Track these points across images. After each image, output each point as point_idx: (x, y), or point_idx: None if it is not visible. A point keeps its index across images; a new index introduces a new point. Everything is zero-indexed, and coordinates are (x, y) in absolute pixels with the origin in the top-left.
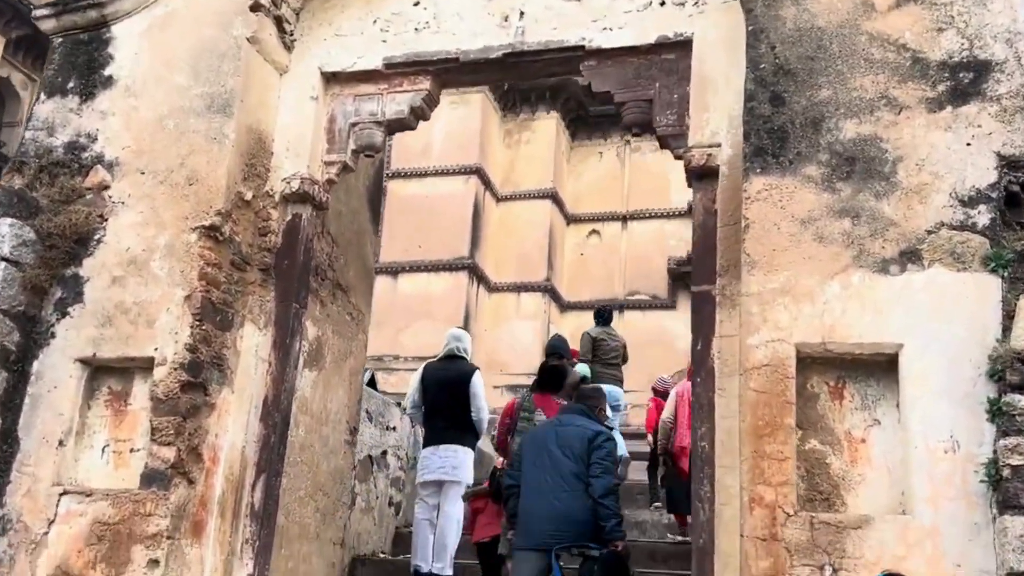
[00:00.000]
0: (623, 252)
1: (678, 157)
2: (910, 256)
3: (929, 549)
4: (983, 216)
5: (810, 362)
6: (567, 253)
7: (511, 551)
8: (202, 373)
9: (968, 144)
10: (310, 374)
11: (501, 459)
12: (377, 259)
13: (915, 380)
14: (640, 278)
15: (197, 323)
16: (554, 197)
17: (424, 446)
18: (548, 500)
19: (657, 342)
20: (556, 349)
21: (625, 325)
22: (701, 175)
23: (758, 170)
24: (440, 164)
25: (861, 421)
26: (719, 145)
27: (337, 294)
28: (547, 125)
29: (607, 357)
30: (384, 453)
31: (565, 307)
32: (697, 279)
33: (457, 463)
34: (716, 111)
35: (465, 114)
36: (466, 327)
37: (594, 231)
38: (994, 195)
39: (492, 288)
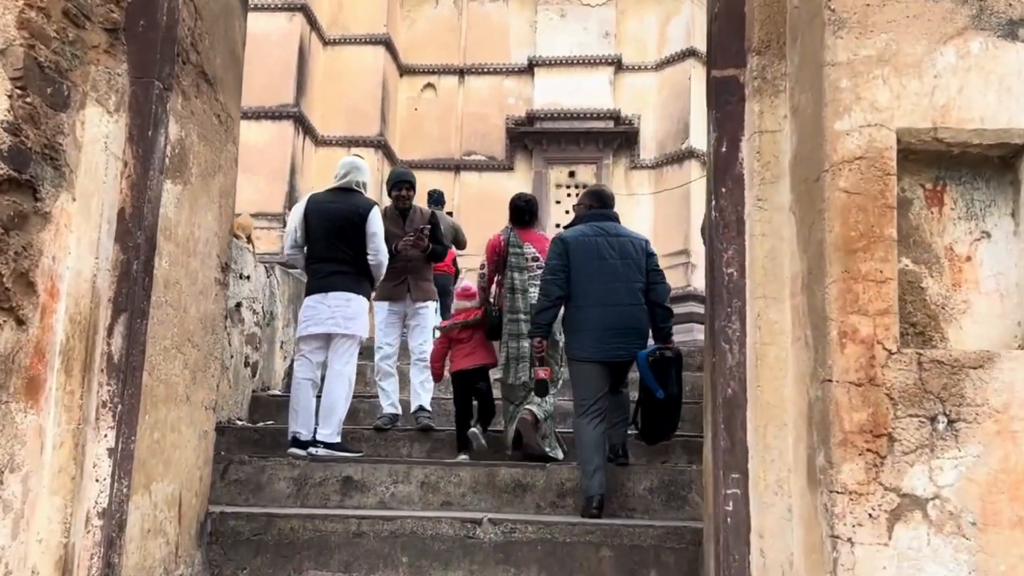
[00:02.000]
0: (459, 109)
1: None
2: None
3: None
4: None
5: (907, 156)
6: (400, 107)
7: (572, 361)
8: (29, 167)
9: None
10: (174, 188)
11: (493, 293)
12: (244, 44)
13: None
14: (477, 137)
15: (19, 92)
16: (387, 44)
17: (308, 293)
18: (620, 312)
19: (494, 203)
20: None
21: (461, 186)
22: None
23: None
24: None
25: (966, 234)
26: None
27: (202, 86)
28: None
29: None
30: (238, 306)
31: (399, 164)
32: (720, 60)
33: (351, 313)
34: None
35: None
36: (292, 183)
37: (429, 84)
38: None
39: (320, 141)
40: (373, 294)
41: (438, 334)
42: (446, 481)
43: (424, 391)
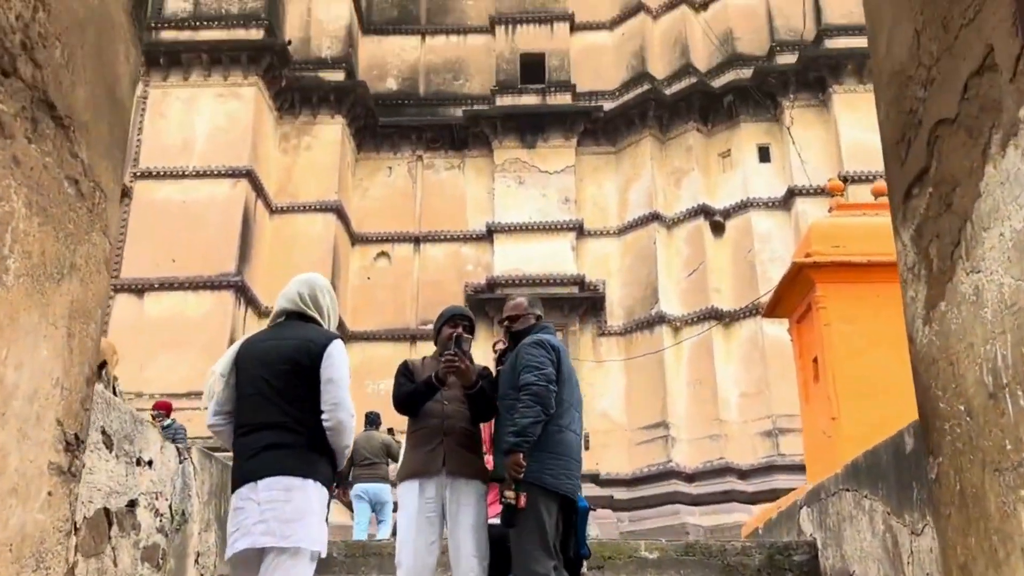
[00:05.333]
0: (415, 277)
1: None
2: None
3: None
4: None
5: None
6: (352, 277)
7: (542, 495)
8: None
9: None
10: None
11: None
12: (135, 88)
13: None
14: (434, 306)
15: None
16: (339, 212)
17: (233, 486)
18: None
19: None
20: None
21: (418, 357)
22: None
23: None
24: (204, 165)
25: None
26: None
27: (43, 125)
28: (331, 131)
29: (363, 461)
30: (132, 505)
31: (350, 338)
32: None
33: (291, 513)
34: None
35: (235, 108)
36: None
37: (383, 253)
38: None
39: (263, 312)
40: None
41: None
42: None
43: None
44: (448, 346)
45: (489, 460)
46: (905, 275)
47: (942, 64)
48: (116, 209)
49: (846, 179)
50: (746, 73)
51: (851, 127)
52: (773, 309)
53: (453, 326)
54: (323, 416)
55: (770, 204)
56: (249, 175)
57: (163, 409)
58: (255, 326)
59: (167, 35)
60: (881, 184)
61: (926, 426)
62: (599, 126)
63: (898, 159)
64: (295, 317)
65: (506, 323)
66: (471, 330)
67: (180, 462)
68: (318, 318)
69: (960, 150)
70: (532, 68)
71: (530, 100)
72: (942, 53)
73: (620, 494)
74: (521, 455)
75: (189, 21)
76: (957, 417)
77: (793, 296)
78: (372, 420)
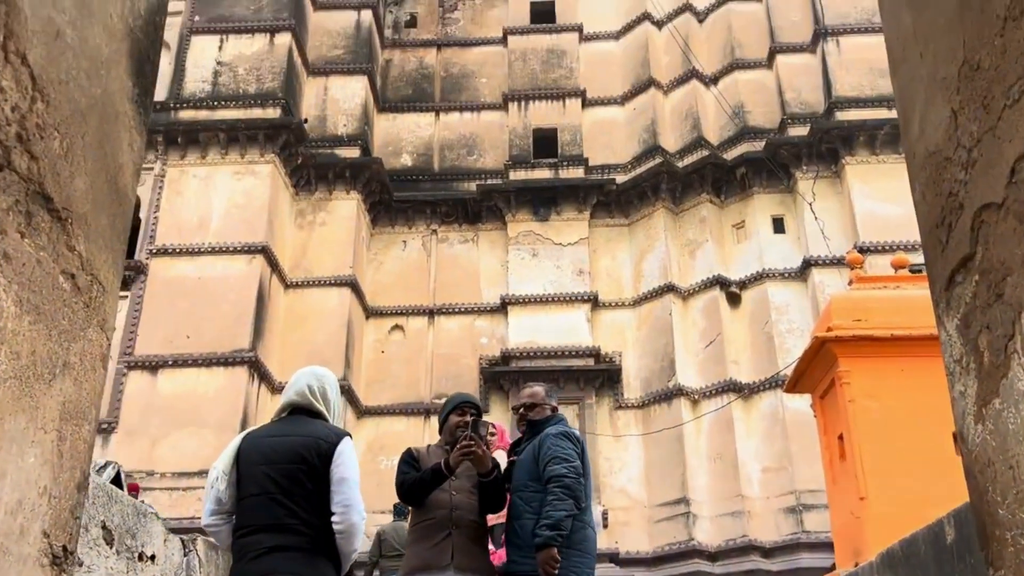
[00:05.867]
0: (430, 350)
1: None
2: None
3: None
4: None
5: None
6: (366, 350)
7: None
8: None
9: None
10: None
11: None
12: (139, 176)
13: None
14: (449, 379)
15: None
16: (353, 286)
17: None
18: None
19: None
20: None
21: (432, 431)
22: None
23: None
24: (220, 241)
25: None
26: None
27: (38, 218)
28: (347, 206)
29: (391, 552)
30: None
31: (363, 412)
32: None
33: None
34: None
35: (252, 185)
36: None
37: (397, 326)
38: None
39: (276, 388)
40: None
41: None
42: None
43: None
44: (458, 433)
45: (500, 554)
46: (952, 367)
47: (984, 146)
48: (115, 302)
49: (863, 250)
50: (758, 145)
51: (865, 198)
52: (795, 384)
53: (460, 414)
54: (334, 518)
55: (786, 275)
56: (264, 251)
57: (131, 491)
58: (268, 402)
59: (185, 115)
60: (901, 257)
61: (984, 533)
62: (612, 198)
63: (938, 243)
64: (302, 412)
65: (522, 411)
66: (478, 417)
67: (184, 555)
68: (325, 413)
69: (1009, 237)
70: (545, 143)
71: (543, 174)
72: (983, 134)
73: (641, 574)
74: (556, 550)
75: (207, 101)
76: (1021, 527)
77: (815, 371)
78: (400, 511)
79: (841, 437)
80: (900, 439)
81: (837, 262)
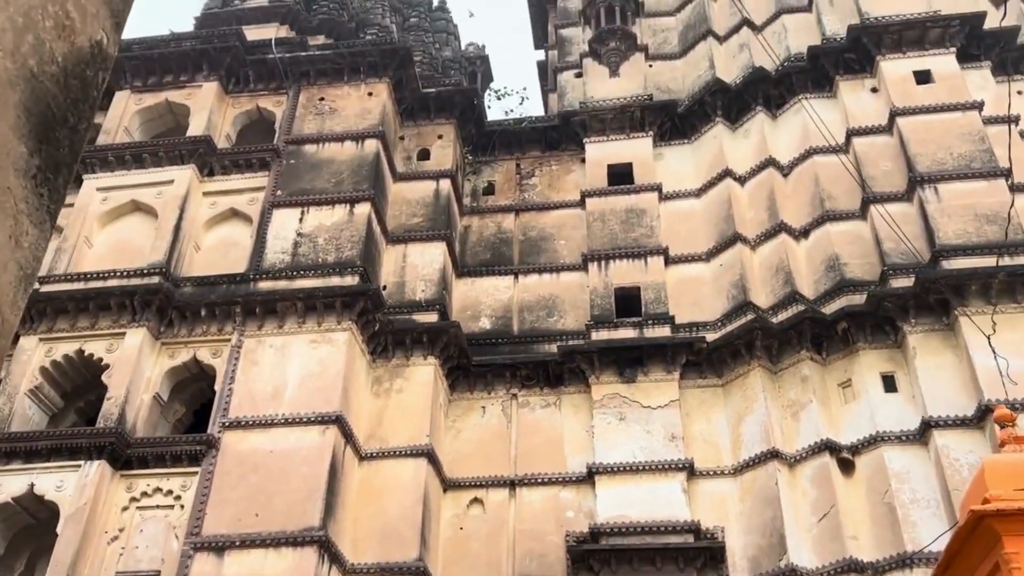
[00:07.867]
0: (511, 526)
1: None
2: None
3: None
4: None
5: None
6: (444, 526)
7: None
8: None
9: None
10: None
11: None
12: (31, 281)
13: None
14: (533, 558)
15: None
16: (430, 456)
17: None
18: None
19: None
20: None
21: None
22: None
23: None
24: (293, 412)
25: None
26: None
27: None
28: (424, 372)
29: None
30: None
31: None
32: None
33: None
34: None
35: (328, 353)
36: None
37: (476, 499)
38: None
39: (348, 571)
40: None
41: None
42: None
43: None
44: None
45: None
46: None
47: None
48: None
49: (988, 409)
50: (858, 299)
51: (986, 352)
52: (946, 569)
53: None
54: None
55: (903, 438)
56: (339, 420)
57: None
58: None
59: (264, 285)
60: None
61: None
62: (703, 358)
63: None
64: None
65: None
66: None
67: None
68: None
69: None
70: (627, 302)
71: (627, 333)
72: None
73: None
74: None
75: (286, 271)
76: None
77: (971, 553)
78: None
79: None
80: None
81: (961, 423)
